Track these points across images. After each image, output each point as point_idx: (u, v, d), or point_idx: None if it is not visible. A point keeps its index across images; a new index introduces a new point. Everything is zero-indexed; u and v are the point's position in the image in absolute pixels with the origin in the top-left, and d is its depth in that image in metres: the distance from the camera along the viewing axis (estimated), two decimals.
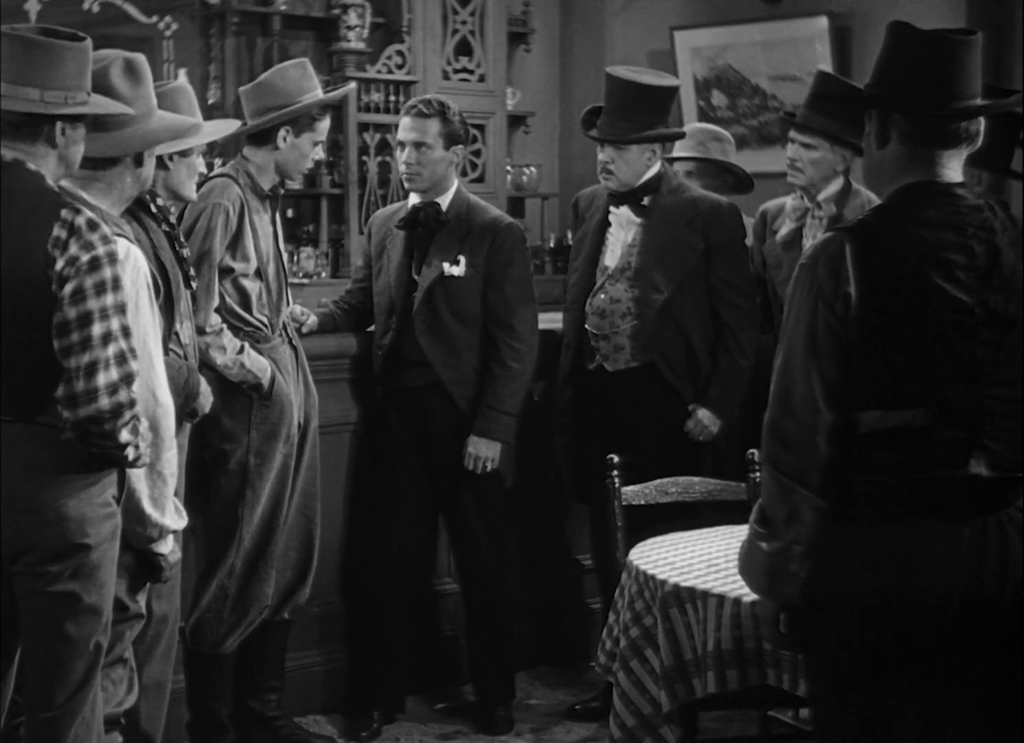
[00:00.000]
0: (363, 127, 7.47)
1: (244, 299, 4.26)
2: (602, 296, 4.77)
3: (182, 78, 7.20)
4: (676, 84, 4.89)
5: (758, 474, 4.01)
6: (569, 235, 7.47)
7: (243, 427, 4.25)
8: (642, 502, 4.09)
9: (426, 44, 7.62)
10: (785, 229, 4.87)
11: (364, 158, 7.49)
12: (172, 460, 3.36)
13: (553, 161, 8.55)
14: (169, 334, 3.69)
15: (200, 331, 4.07)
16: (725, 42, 7.64)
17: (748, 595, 3.15)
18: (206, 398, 3.90)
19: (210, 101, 7.07)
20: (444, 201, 4.70)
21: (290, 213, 7.49)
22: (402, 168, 4.68)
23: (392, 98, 7.50)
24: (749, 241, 4.98)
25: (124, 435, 3.01)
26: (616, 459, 4.05)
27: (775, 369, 2.73)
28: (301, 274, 7.26)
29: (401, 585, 4.77)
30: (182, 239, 3.85)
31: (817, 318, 2.64)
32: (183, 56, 7.19)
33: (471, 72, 7.82)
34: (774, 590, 2.74)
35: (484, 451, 4.63)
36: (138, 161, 3.39)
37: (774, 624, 2.76)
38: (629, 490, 4.08)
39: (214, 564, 4.33)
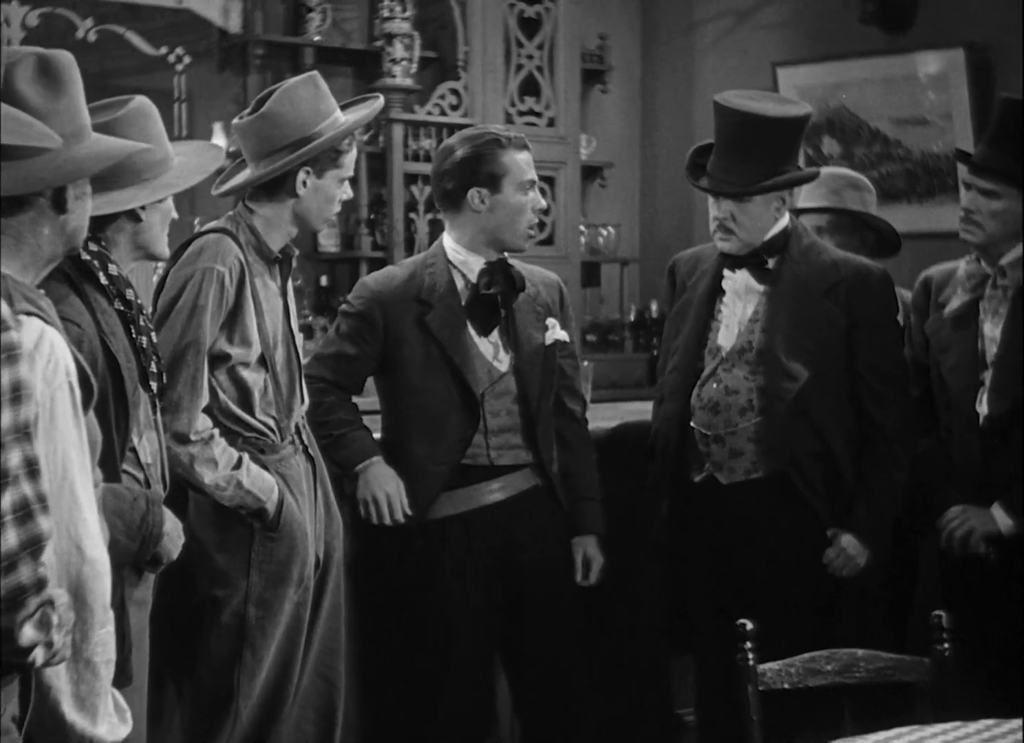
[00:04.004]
0: (410, 179, 7.08)
1: (244, 395, 3.72)
2: (714, 385, 4.16)
3: (216, 131, 6.87)
4: (807, 112, 4.20)
5: (947, 645, 3.27)
6: (653, 306, 7.57)
7: (241, 567, 3.71)
8: (785, 685, 3.27)
9: (486, 82, 7.24)
10: (956, 302, 4.24)
11: (411, 215, 7.08)
12: (107, 641, 2.62)
13: (633, 220, 8.19)
14: (122, 452, 3.17)
15: (182, 439, 3.55)
16: (838, 80, 7.15)
17: None
18: (173, 540, 3.31)
19: (231, 148, 6.28)
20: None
21: (324, 281, 7.15)
22: (535, 220, 4.14)
23: None
24: (902, 316, 4.41)
25: (27, 633, 2.28)
26: (749, 626, 3.24)
27: None
28: None
29: None
30: (143, 321, 3.30)
31: None
32: (198, 94, 6.80)
33: (538, 115, 7.41)
34: None
35: (596, 551, 4.20)
36: (58, 204, 2.60)
37: None
38: (769, 669, 3.24)
39: None
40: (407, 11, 6.97)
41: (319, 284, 7.08)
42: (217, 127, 6.89)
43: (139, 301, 3.27)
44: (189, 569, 3.58)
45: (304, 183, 3.73)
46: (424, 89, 7.16)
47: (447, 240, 4.09)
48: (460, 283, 4.08)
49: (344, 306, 4.10)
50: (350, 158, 3.82)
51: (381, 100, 3.94)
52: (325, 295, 7.09)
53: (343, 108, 3.86)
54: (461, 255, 4.08)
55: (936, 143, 6.71)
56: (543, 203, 4.11)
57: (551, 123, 7.40)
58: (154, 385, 3.29)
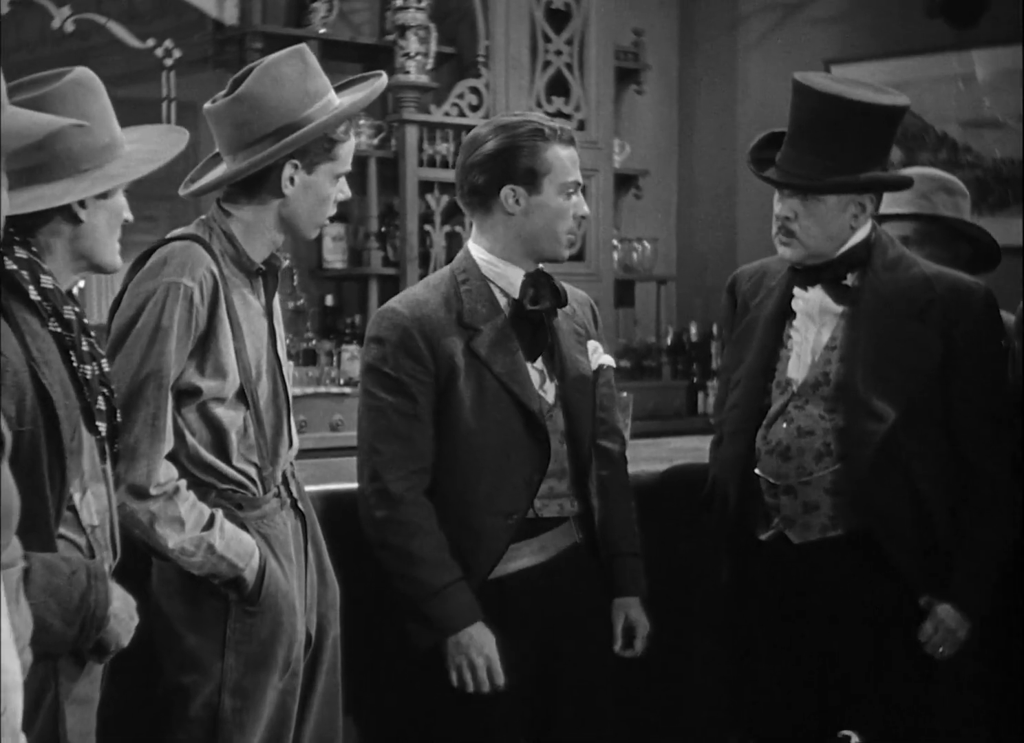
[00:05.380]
0: (425, 186, 6.96)
1: (218, 438, 3.37)
2: (784, 426, 3.82)
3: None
4: (904, 102, 3.85)
5: None
6: (692, 329, 7.51)
7: (214, 649, 3.37)
8: None
9: (509, 80, 7.14)
10: None
11: (427, 227, 6.94)
12: None
13: (671, 234, 8.17)
14: (58, 513, 2.80)
15: (140, 493, 3.19)
16: (899, 79, 6.93)
17: None
18: (122, 622, 2.92)
19: None
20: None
21: (330, 300, 7.02)
22: (576, 227, 3.76)
23: None
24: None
25: None
26: (855, 739, 3.08)
27: None
28: (342, 380, 6.66)
29: None
30: (88, 346, 2.92)
31: None
32: (188, 92, 6.60)
33: (567, 117, 7.25)
34: None
35: (640, 615, 3.85)
36: None
37: None
38: None
39: None
40: (422, 1, 6.86)
41: (324, 304, 6.95)
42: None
43: (84, 321, 2.90)
44: (151, 651, 3.24)
45: (291, 180, 3.37)
46: (441, 87, 7.09)
47: (475, 250, 3.68)
48: (502, 300, 3.71)
49: (372, 351, 3.60)
50: (347, 149, 3.44)
51: (384, 78, 3.55)
52: (331, 316, 6.97)
53: (338, 89, 3.51)
54: (497, 267, 3.70)
55: (1010, 148, 6.74)
56: (586, 209, 3.72)
57: (581, 126, 7.27)
58: (102, 426, 2.90)
